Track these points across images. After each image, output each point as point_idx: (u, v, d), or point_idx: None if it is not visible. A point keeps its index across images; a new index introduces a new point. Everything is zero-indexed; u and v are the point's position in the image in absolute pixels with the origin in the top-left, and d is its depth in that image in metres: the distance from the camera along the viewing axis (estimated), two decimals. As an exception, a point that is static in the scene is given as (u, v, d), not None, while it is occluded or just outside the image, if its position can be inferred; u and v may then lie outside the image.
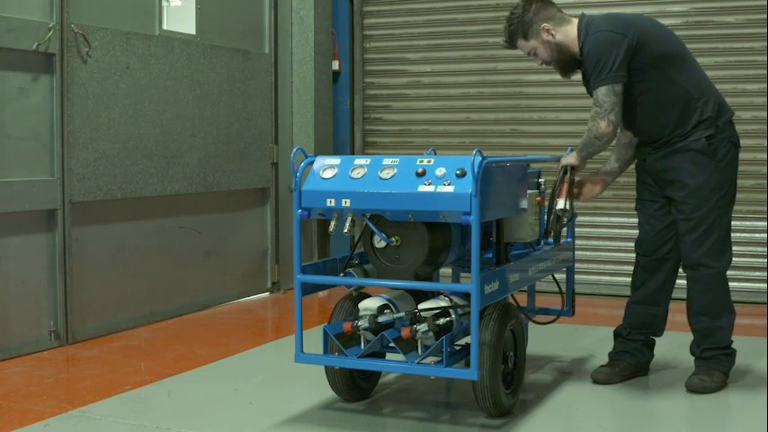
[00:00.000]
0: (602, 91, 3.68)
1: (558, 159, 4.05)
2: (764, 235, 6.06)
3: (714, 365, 3.89)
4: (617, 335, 4.13)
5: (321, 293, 5.75)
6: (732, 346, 3.94)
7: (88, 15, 4.92)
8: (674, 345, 4.51)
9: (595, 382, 4.00)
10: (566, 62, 3.88)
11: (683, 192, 3.80)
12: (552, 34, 3.81)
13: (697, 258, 3.82)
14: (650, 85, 3.76)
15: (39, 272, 4.73)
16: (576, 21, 3.85)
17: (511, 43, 3.91)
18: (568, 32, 3.82)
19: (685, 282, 3.94)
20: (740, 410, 3.71)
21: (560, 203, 3.89)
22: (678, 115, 3.78)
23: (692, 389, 3.86)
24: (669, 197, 3.89)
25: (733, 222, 3.95)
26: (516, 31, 3.85)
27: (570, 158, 3.96)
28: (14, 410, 3.68)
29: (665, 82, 3.76)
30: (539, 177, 4.17)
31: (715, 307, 3.86)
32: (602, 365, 4.09)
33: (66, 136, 4.78)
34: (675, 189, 3.83)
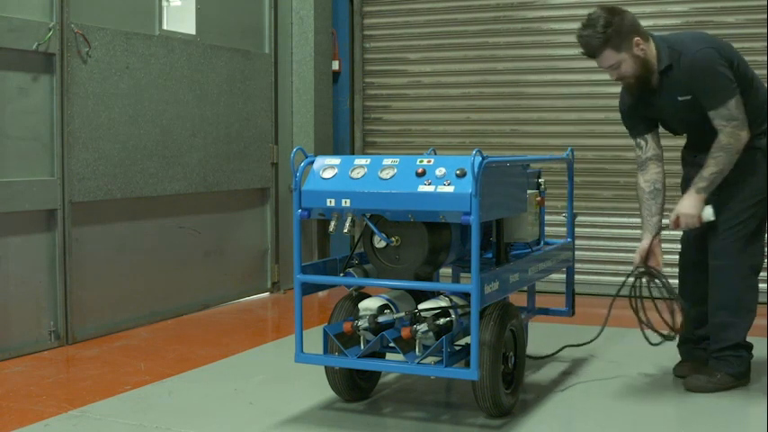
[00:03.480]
0: (732, 104, 3.66)
1: (558, 159, 4.03)
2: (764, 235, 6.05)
3: (721, 366, 3.88)
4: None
5: (321, 293, 5.75)
6: (746, 350, 3.92)
7: (88, 15, 4.92)
8: (673, 346, 4.51)
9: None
10: (645, 79, 3.76)
11: (731, 184, 3.76)
12: (643, 49, 3.69)
13: (716, 251, 3.81)
14: None
15: (39, 272, 4.73)
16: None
17: (595, 52, 3.68)
18: (652, 49, 3.74)
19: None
20: (739, 411, 3.70)
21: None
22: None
23: (687, 387, 3.88)
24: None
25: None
26: (609, 40, 3.63)
27: (690, 207, 3.74)
28: (14, 410, 3.69)
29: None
30: (539, 177, 4.16)
31: (734, 302, 3.83)
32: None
33: (67, 136, 4.78)
34: (723, 181, 3.77)
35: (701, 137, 3.84)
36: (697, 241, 3.98)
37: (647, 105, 3.88)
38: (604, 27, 3.63)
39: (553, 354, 4.41)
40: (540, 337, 4.60)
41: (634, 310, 3.85)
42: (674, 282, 4.02)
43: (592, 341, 4.29)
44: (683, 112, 3.81)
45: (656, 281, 3.83)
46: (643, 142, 3.93)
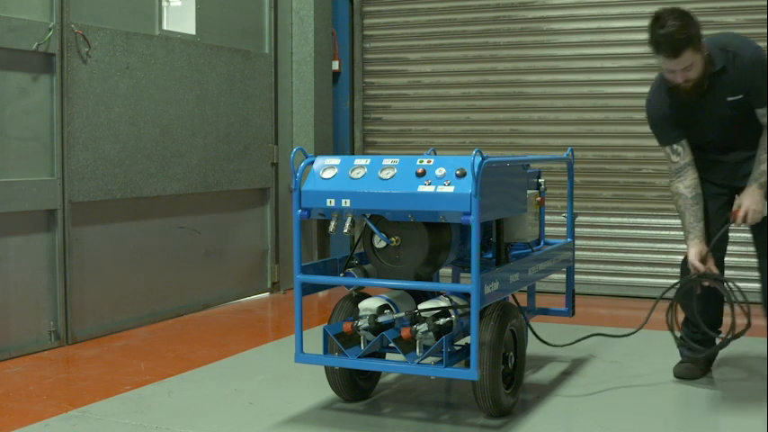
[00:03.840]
0: None
1: (558, 159, 4.04)
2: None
3: None
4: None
5: (321, 293, 5.75)
6: None
7: (88, 15, 4.92)
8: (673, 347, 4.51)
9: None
10: (702, 82, 3.65)
11: None
12: (704, 51, 3.61)
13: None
14: None
15: (39, 272, 4.73)
16: None
17: (681, 49, 3.49)
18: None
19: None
20: (737, 411, 3.71)
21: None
22: None
23: None
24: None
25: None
26: (692, 39, 3.50)
27: (757, 203, 3.74)
28: (14, 410, 3.69)
29: None
30: (539, 177, 4.17)
31: None
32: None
33: (67, 136, 4.78)
34: None
35: (729, 136, 3.84)
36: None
37: (686, 109, 3.79)
38: (686, 27, 3.49)
39: (579, 340, 4.35)
40: (541, 337, 4.59)
41: (669, 326, 3.86)
42: (663, 281, 4.04)
43: (629, 335, 4.17)
44: (727, 113, 3.75)
45: (725, 284, 3.84)
46: (680, 148, 3.84)
